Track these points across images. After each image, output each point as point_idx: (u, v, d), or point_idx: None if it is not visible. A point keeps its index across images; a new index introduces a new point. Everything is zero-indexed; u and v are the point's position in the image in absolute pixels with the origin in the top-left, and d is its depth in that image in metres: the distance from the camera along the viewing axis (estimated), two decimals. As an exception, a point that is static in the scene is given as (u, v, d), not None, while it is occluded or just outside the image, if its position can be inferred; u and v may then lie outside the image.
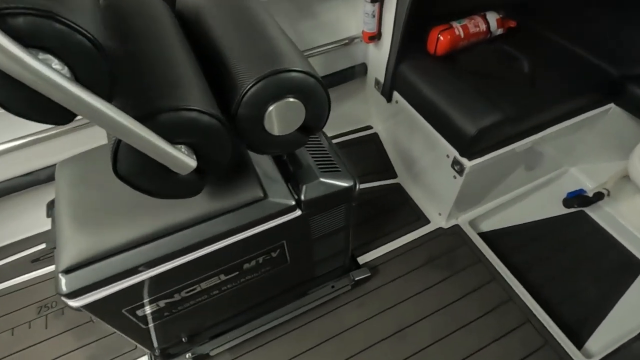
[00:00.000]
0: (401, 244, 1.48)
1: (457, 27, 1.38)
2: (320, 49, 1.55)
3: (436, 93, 1.31)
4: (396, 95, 1.53)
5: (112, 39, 0.69)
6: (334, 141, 1.09)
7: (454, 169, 1.32)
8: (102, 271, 0.78)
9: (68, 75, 0.47)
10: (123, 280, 0.80)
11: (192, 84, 0.65)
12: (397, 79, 1.48)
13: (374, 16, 1.37)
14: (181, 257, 0.84)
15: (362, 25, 1.46)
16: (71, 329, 1.30)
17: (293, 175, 0.93)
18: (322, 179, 0.92)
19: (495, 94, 1.28)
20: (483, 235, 1.51)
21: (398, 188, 1.68)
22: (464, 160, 1.27)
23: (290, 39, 0.80)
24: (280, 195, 0.90)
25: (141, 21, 0.76)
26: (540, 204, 1.62)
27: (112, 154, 0.61)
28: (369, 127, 1.87)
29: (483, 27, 1.43)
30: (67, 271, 0.76)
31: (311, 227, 1.00)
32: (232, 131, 0.69)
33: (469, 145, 1.23)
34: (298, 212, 0.91)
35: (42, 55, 0.45)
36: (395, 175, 1.73)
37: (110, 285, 0.79)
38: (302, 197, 0.90)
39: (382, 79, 1.58)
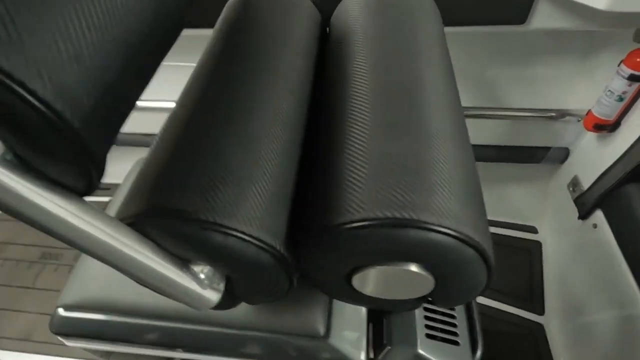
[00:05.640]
0: None
1: None
2: (511, 112, 1.11)
3: None
4: (598, 216, 1.00)
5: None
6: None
7: None
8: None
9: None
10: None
11: (253, 175, 0.37)
12: (612, 199, 0.96)
13: (621, 99, 0.87)
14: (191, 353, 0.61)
15: (590, 104, 0.96)
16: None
17: (380, 322, 0.59)
18: (420, 351, 0.56)
19: None
20: None
21: (537, 333, 1.16)
22: None
23: (464, 127, 0.45)
24: (349, 342, 0.57)
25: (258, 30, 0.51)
26: None
27: None
28: (533, 230, 1.35)
29: None
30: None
31: None
32: (294, 265, 0.40)
33: None
34: None
35: None
36: (541, 311, 1.20)
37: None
38: (379, 362, 0.57)
39: (585, 184, 1.06)
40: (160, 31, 0.37)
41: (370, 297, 0.42)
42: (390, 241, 0.33)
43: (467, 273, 0.36)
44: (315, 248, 0.37)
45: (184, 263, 0.37)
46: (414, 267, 0.36)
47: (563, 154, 1.17)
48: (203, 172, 0.36)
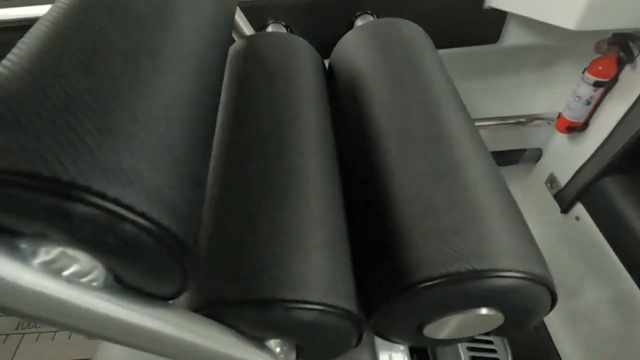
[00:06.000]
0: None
1: None
2: (485, 122, 1.18)
3: None
4: (579, 209, 1.08)
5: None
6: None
7: None
8: None
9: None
10: None
11: (317, 242, 0.37)
12: (590, 192, 1.04)
13: (589, 103, 0.95)
14: None
15: (561, 108, 1.05)
16: None
17: (425, 351, 0.60)
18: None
19: None
20: None
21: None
22: None
23: (490, 156, 0.48)
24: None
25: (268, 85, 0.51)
26: None
27: None
28: (517, 227, 1.43)
29: None
30: None
31: None
32: (364, 325, 0.40)
33: None
34: None
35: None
36: (537, 303, 1.27)
37: None
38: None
39: (562, 181, 1.14)
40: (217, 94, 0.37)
41: (437, 339, 0.43)
42: (466, 292, 0.34)
43: (536, 307, 0.38)
44: (389, 307, 0.37)
45: (260, 342, 0.36)
46: (485, 310, 0.37)
47: (537, 154, 1.26)
48: (269, 247, 0.35)
